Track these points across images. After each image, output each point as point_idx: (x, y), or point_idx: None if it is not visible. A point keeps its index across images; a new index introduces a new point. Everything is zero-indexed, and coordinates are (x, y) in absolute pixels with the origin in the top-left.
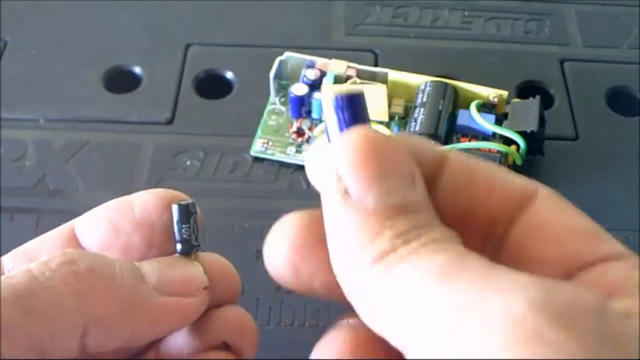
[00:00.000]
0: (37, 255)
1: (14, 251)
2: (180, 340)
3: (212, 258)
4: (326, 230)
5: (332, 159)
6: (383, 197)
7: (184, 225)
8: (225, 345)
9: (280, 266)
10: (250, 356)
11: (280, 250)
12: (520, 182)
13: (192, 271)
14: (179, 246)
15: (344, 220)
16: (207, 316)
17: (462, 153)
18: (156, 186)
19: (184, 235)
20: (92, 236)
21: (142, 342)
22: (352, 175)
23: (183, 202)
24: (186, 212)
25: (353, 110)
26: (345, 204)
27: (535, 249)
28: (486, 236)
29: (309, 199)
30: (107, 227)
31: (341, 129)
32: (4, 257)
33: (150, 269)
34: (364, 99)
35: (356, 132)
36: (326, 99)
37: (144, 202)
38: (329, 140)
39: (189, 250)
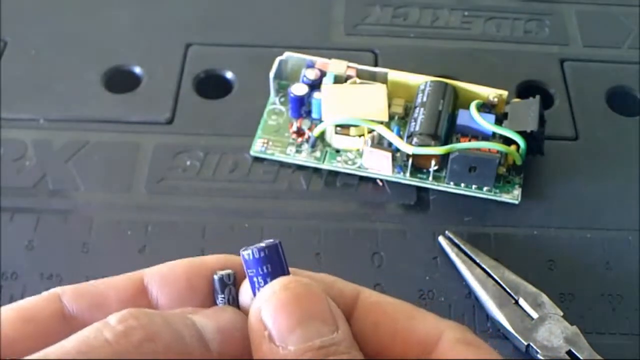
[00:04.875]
0: (102, 302)
1: (76, 287)
2: None
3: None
4: None
5: (256, 311)
6: (303, 340)
7: (219, 295)
8: None
9: None
10: None
11: None
12: (423, 327)
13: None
14: None
15: None
16: None
17: (375, 293)
18: (156, 186)
19: (219, 304)
20: (163, 294)
21: None
22: (273, 322)
23: (220, 274)
24: (221, 284)
25: (272, 261)
26: (270, 351)
27: None
28: None
29: (308, 198)
30: (183, 285)
31: (265, 281)
32: (63, 291)
33: (211, 331)
34: (281, 248)
35: (276, 283)
36: (246, 255)
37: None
38: (254, 293)
39: None
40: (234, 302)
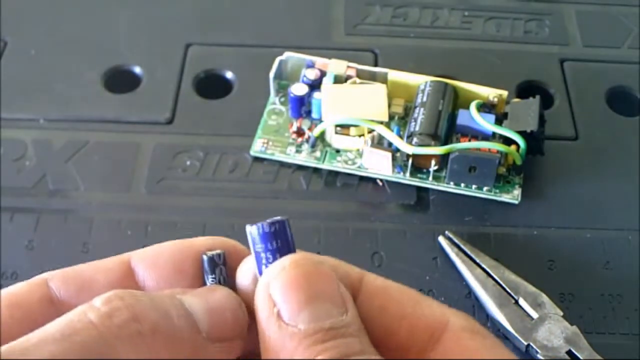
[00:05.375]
0: (90, 285)
1: (64, 272)
2: None
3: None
4: (262, 350)
5: (264, 287)
6: (313, 319)
7: (210, 276)
8: None
9: None
10: None
11: None
12: (430, 313)
13: (239, 312)
14: None
15: (278, 344)
16: None
17: (379, 277)
18: (156, 186)
19: (209, 285)
20: (150, 276)
21: None
22: (283, 298)
23: (209, 253)
24: (211, 264)
25: (281, 237)
26: (279, 329)
27: None
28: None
29: (308, 198)
30: (170, 267)
31: (273, 257)
32: (51, 276)
33: (200, 310)
34: (289, 225)
35: (287, 259)
36: (254, 230)
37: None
38: (259, 270)
39: None
40: (225, 282)
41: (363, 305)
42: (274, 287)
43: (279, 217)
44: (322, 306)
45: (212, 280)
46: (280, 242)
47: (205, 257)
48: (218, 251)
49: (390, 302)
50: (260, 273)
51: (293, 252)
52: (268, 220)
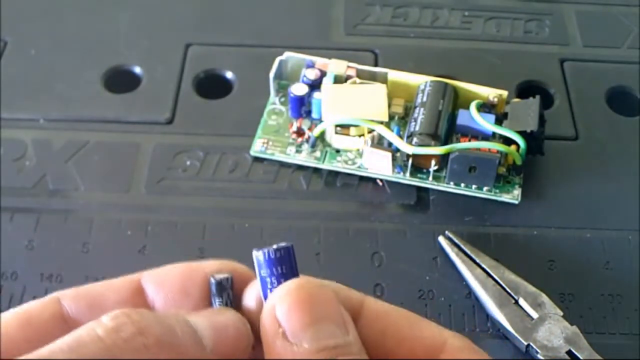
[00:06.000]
0: (100, 303)
1: (76, 291)
2: None
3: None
4: None
5: (270, 309)
6: (317, 338)
7: (217, 299)
8: None
9: None
10: None
11: None
12: (429, 334)
13: (243, 330)
14: None
15: None
16: None
17: (379, 302)
18: (156, 186)
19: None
20: (159, 296)
21: None
22: (288, 319)
23: (217, 277)
24: (219, 287)
25: (286, 263)
26: (284, 348)
27: None
28: None
29: (308, 198)
30: (178, 289)
31: (278, 282)
32: (63, 294)
33: (205, 328)
34: (293, 252)
35: (291, 283)
36: (260, 256)
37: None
38: (264, 294)
39: None
40: (231, 306)
41: (364, 328)
42: (279, 309)
43: (284, 244)
44: (325, 327)
45: (219, 304)
46: (285, 268)
47: (213, 281)
48: (226, 275)
49: (390, 324)
50: (265, 297)
51: (297, 276)
52: (274, 246)
